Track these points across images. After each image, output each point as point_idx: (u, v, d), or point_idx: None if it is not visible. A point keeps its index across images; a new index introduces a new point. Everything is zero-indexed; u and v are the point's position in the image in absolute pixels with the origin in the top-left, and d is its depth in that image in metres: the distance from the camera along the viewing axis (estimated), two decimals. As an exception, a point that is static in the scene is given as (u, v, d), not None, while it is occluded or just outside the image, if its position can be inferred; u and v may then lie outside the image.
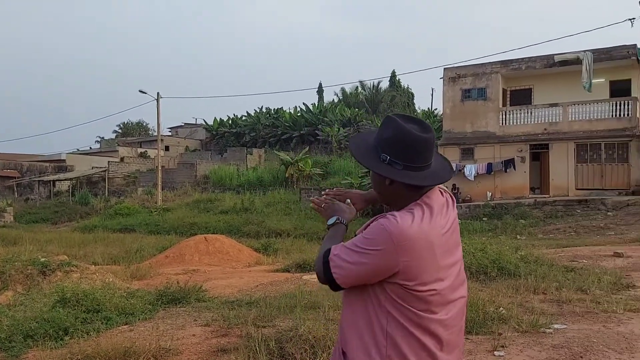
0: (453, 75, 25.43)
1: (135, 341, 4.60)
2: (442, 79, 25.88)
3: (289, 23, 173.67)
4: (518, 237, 17.21)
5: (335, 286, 1.74)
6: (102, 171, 42.19)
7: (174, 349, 4.68)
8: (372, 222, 1.75)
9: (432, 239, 1.69)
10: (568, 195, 22.35)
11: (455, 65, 25.87)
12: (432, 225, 1.71)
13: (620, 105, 22.17)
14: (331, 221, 1.92)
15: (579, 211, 20.43)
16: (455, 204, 1.88)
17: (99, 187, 41.38)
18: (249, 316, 5.61)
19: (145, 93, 33.49)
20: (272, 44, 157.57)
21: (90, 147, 58.95)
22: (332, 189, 2.31)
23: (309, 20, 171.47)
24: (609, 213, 19.48)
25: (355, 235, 1.79)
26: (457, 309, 1.78)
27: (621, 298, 6.32)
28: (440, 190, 1.85)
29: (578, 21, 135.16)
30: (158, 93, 34.03)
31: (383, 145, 1.76)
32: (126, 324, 5.85)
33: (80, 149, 55.96)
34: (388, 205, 1.88)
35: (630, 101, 22.06)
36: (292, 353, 4.34)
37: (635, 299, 6.30)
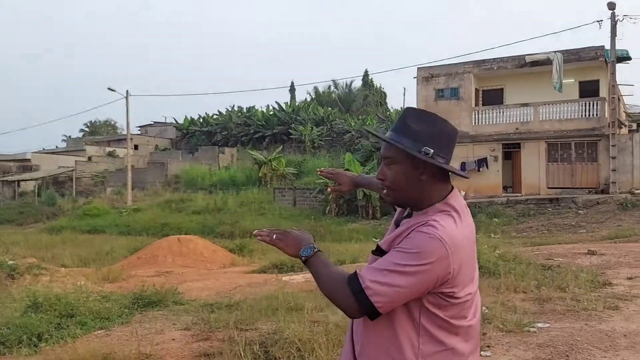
0: (426, 75, 25.61)
1: (113, 347, 4.43)
2: (415, 79, 26.05)
3: (260, 21, 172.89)
4: (492, 235, 17.39)
5: (376, 315, 1.57)
6: (69, 171, 41.25)
7: (154, 354, 4.53)
8: (405, 233, 1.61)
9: (472, 238, 1.68)
10: (540, 194, 22.73)
11: (429, 65, 26.11)
12: (469, 225, 1.68)
13: (589, 106, 22.63)
14: (307, 252, 1.67)
15: (550, 209, 20.80)
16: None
17: (66, 187, 40.47)
18: (230, 319, 5.47)
19: (114, 91, 32.91)
20: (243, 42, 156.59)
21: (57, 146, 57.64)
22: (327, 168, 2.35)
23: (281, 19, 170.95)
24: (579, 211, 19.88)
25: (378, 250, 1.68)
26: (480, 309, 1.74)
27: (599, 296, 6.38)
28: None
29: (549, 23, 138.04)
30: (127, 91, 33.53)
31: (426, 139, 1.66)
32: (102, 328, 5.66)
33: (46, 148, 54.62)
34: (407, 205, 1.76)
35: (598, 101, 22.54)
36: (278, 357, 4.23)
37: (613, 297, 6.37)
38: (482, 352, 4.50)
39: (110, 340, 5.00)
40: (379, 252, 1.67)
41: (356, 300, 1.55)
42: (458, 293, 1.59)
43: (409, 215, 1.73)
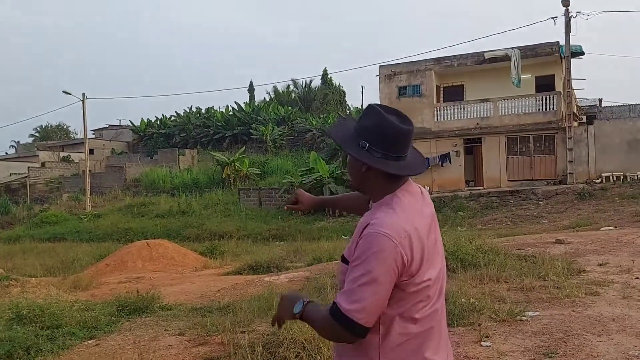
0: (389, 73, 25.88)
1: (115, 357, 4.30)
2: (378, 77, 26.26)
3: (216, 21, 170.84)
4: (459, 228, 17.70)
5: (365, 332, 1.62)
6: (22, 177, 39.80)
7: (157, 361, 4.42)
8: (358, 238, 1.66)
9: (425, 224, 1.71)
10: (501, 187, 23.33)
11: (391, 62, 26.38)
12: (418, 212, 1.72)
13: (545, 100, 23.35)
14: (298, 309, 1.72)
15: (512, 201, 21.37)
16: (429, 196, 1.91)
17: (20, 194, 39.06)
18: (226, 322, 5.39)
19: (70, 94, 31.92)
20: (199, 42, 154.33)
21: (6, 153, 55.55)
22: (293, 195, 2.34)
23: (237, 18, 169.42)
24: (540, 202, 20.50)
25: (343, 259, 1.73)
26: (443, 298, 1.80)
27: (578, 283, 6.58)
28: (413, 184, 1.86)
29: (508, 20, 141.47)
30: (84, 94, 32.58)
31: (364, 133, 1.73)
32: (91, 338, 5.49)
33: (-6, 155, 52.51)
34: (361, 193, 1.87)
35: (554, 96, 23.29)
36: (287, 357, 4.20)
37: (591, 283, 6.58)
38: (482, 343, 4.58)
39: (106, 349, 4.85)
40: (345, 260, 1.72)
41: (345, 328, 1.59)
42: (416, 279, 1.64)
43: (369, 209, 1.80)
